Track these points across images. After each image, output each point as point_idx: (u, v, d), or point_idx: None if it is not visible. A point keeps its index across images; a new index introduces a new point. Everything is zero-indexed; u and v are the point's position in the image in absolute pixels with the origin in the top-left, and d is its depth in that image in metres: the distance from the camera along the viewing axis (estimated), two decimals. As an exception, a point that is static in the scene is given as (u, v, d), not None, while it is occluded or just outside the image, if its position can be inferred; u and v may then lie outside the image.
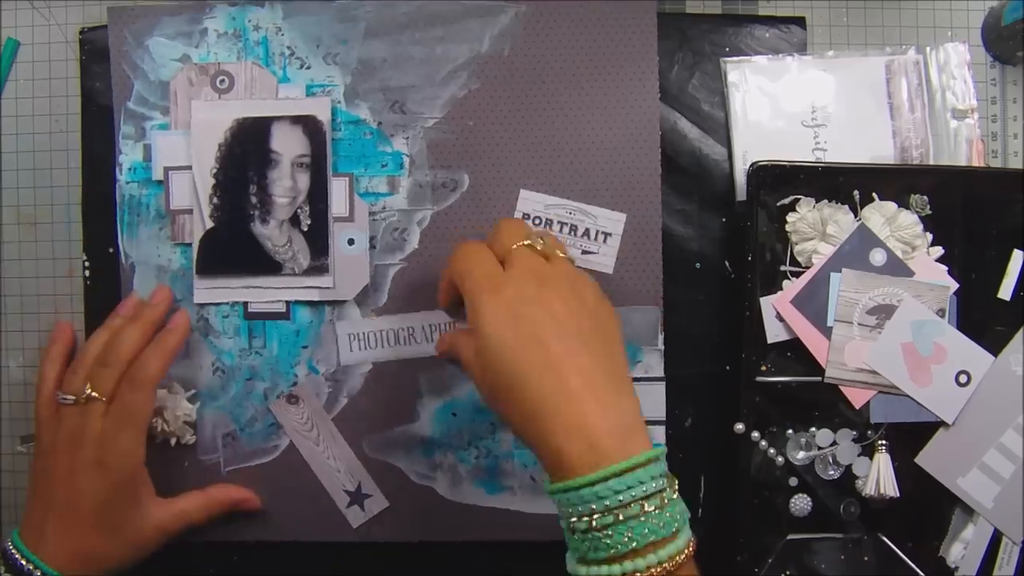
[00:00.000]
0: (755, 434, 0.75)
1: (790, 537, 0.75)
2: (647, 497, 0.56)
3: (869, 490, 0.74)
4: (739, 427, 0.75)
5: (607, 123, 0.77)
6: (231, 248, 0.77)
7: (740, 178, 0.78)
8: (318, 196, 0.76)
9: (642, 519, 0.56)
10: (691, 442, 0.78)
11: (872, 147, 0.77)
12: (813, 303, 0.74)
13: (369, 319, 0.78)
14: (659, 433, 0.77)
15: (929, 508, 0.76)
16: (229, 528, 0.78)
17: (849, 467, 0.75)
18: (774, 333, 0.75)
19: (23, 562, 0.68)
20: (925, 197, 0.74)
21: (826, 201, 0.74)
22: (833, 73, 0.78)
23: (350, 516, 0.78)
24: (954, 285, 0.74)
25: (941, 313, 0.74)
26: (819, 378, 0.75)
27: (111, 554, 0.71)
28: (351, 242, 0.77)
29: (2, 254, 0.81)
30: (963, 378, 0.74)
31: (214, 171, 0.76)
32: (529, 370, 0.59)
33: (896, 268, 0.74)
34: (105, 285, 0.79)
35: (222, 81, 0.77)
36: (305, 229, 0.76)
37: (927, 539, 0.76)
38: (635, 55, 0.77)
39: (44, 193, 0.80)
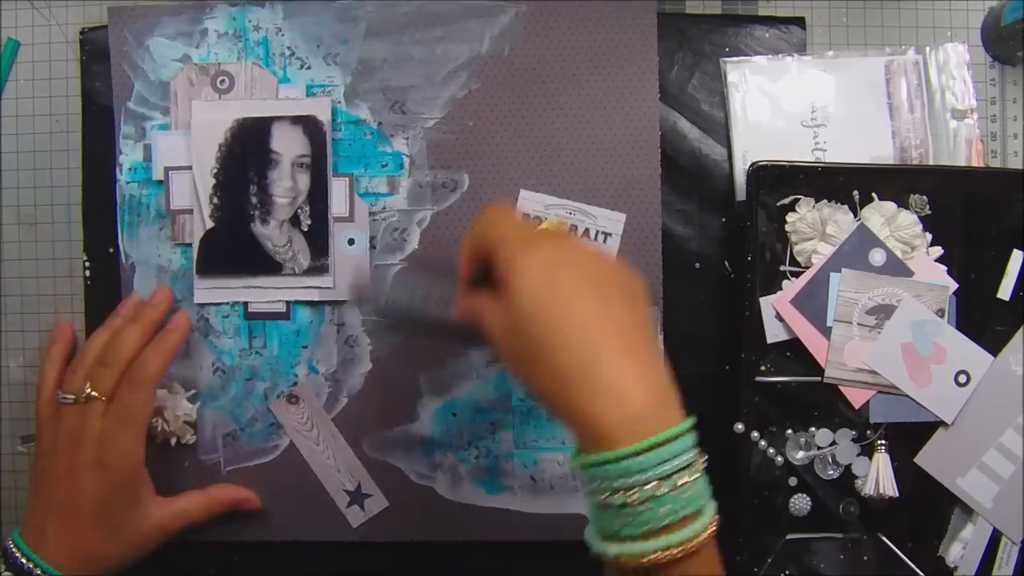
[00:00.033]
0: (755, 434, 0.75)
1: (790, 537, 0.75)
2: (685, 468, 0.54)
3: (868, 490, 0.74)
4: (739, 427, 0.75)
5: (607, 123, 0.77)
6: (231, 248, 0.77)
7: (740, 178, 0.78)
8: (318, 196, 0.76)
9: (678, 492, 0.53)
10: (691, 442, 0.78)
11: (872, 147, 0.78)
12: (813, 303, 0.74)
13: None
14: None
15: (928, 508, 0.76)
16: (229, 528, 0.78)
17: (849, 467, 0.75)
18: (774, 333, 0.75)
19: (24, 561, 0.68)
20: (925, 197, 0.74)
21: (826, 201, 0.74)
22: (833, 73, 0.78)
23: (350, 516, 0.78)
24: (954, 285, 0.74)
25: (941, 313, 0.74)
26: (819, 378, 0.75)
27: (111, 553, 0.71)
28: (351, 242, 0.77)
29: (2, 254, 0.81)
30: (962, 378, 0.74)
31: (214, 171, 0.76)
32: (566, 332, 0.56)
33: (896, 268, 0.74)
34: (105, 285, 0.79)
35: (222, 81, 0.77)
36: (305, 229, 0.76)
37: (926, 539, 0.76)
38: (635, 55, 0.77)
39: (44, 193, 0.80)
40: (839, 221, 0.74)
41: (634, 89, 0.77)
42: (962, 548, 0.75)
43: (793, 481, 0.75)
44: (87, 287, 0.80)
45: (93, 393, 0.71)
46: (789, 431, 0.75)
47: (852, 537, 0.75)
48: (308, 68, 0.77)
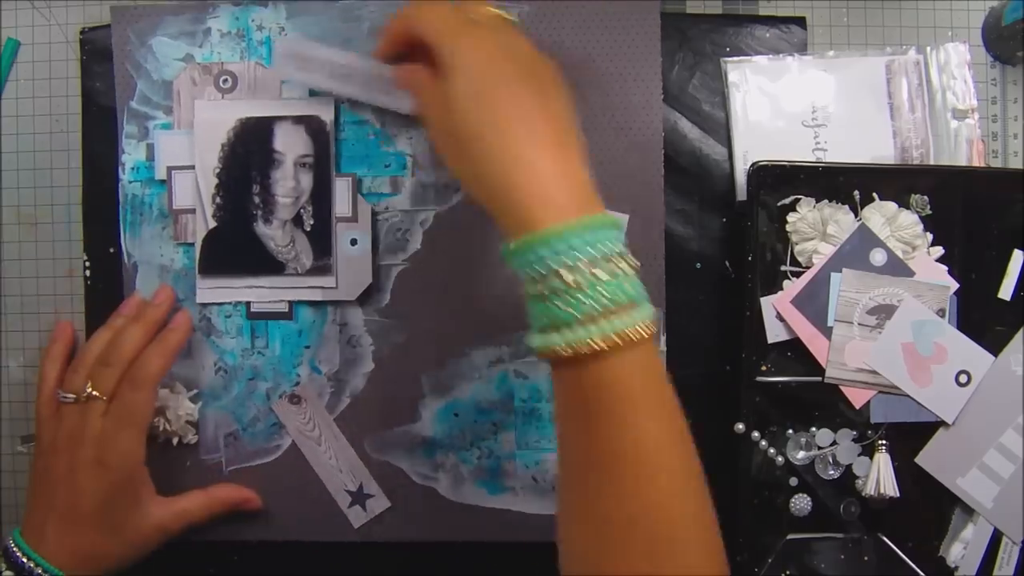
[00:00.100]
0: (755, 434, 0.75)
1: (790, 537, 0.75)
2: (618, 255, 0.55)
3: (869, 490, 0.74)
4: (739, 427, 0.75)
5: (610, 124, 0.77)
6: (234, 248, 0.77)
7: (740, 178, 0.78)
8: (321, 196, 0.76)
9: (615, 279, 0.55)
10: (691, 442, 0.78)
11: (872, 147, 0.78)
12: (813, 303, 0.74)
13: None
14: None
15: (929, 508, 0.76)
16: (230, 528, 0.78)
17: (849, 467, 0.75)
18: (774, 333, 0.75)
19: (24, 560, 0.68)
20: (925, 197, 0.75)
21: (826, 201, 0.74)
22: (833, 73, 0.78)
23: (352, 516, 0.78)
24: (954, 285, 0.74)
25: (941, 313, 0.74)
26: (819, 378, 0.75)
27: (112, 553, 0.71)
28: (354, 242, 0.77)
29: (2, 254, 0.80)
30: (963, 378, 0.74)
31: (217, 171, 0.76)
32: (502, 117, 0.57)
33: (896, 268, 0.74)
34: (105, 285, 0.79)
35: (225, 81, 0.77)
36: (308, 229, 0.76)
37: (927, 539, 0.76)
38: (638, 56, 0.77)
39: (44, 193, 0.80)
40: (840, 221, 0.74)
41: (637, 90, 0.77)
42: (963, 548, 0.75)
43: (794, 481, 0.75)
44: (87, 287, 0.80)
45: (94, 393, 0.71)
46: (790, 431, 0.75)
47: (853, 537, 0.75)
48: (310, 68, 0.77)
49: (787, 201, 0.74)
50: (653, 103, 0.77)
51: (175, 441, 0.78)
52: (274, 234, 0.76)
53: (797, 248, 0.75)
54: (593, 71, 0.77)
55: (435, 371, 0.78)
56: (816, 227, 0.74)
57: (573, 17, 0.77)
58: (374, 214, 0.77)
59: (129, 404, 0.71)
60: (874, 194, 0.74)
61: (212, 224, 0.76)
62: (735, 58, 0.79)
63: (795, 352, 0.75)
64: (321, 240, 0.76)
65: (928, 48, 0.78)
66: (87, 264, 0.79)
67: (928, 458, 0.75)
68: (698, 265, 0.79)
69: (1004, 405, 0.75)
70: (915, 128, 0.78)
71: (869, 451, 0.75)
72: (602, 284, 0.54)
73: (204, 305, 0.78)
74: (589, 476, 0.56)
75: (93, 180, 0.79)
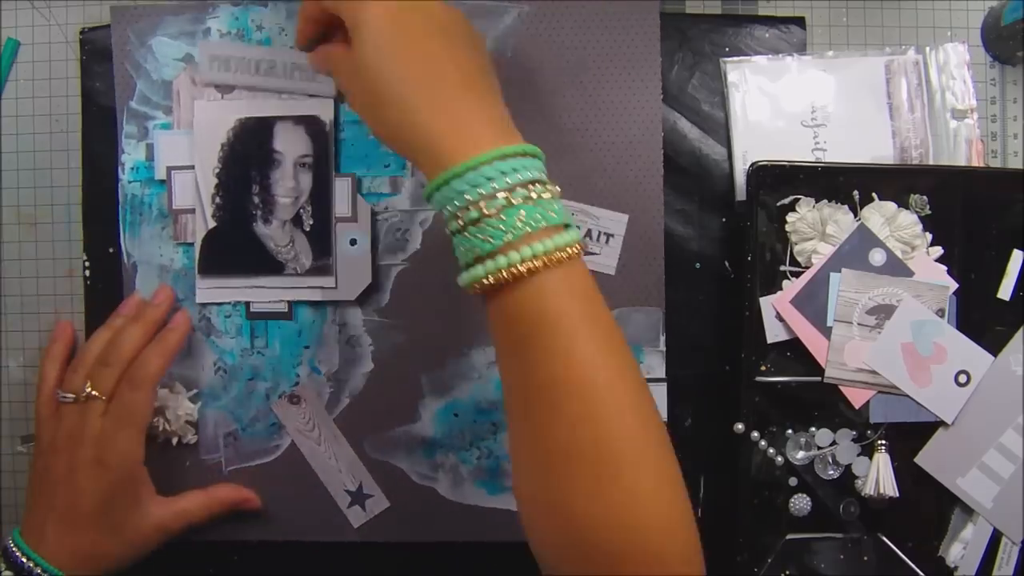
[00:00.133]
0: (755, 434, 0.75)
1: (790, 537, 0.75)
2: (535, 182, 0.56)
3: (869, 490, 0.74)
4: (739, 427, 0.75)
5: (610, 124, 0.77)
6: (233, 248, 0.77)
7: (740, 178, 0.78)
8: (321, 196, 0.76)
9: (533, 204, 0.55)
10: (691, 442, 0.78)
11: (872, 147, 0.78)
12: (813, 303, 0.74)
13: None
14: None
15: (929, 508, 0.76)
16: (230, 528, 0.78)
17: (849, 467, 0.75)
18: (774, 333, 0.75)
19: (24, 560, 0.68)
20: (925, 197, 0.75)
21: (826, 201, 0.74)
22: (833, 73, 0.78)
23: (351, 516, 0.78)
24: (954, 285, 0.74)
25: (941, 313, 0.74)
26: (819, 378, 0.75)
27: (111, 552, 0.71)
28: (353, 242, 0.77)
29: (2, 254, 0.80)
30: (963, 378, 0.74)
31: (217, 171, 0.76)
32: (412, 67, 0.58)
33: (896, 268, 0.74)
34: (105, 285, 0.79)
35: (225, 80, 0.78)
36: (307, 229, 0.76)
37: (927, 539, 0.76)
38: (637, 56, 0.77)
39: (44, 193, 0.80)
40: (839, 221, 0.74)
41: (637, 90, 0.77)
42: (962, 548, 0.75)
43: (793, 481, 0.75)
44: (87, 287, 0.80)
45: (93, 392, 0.71)
46: (789, 431, 0.75)
47: (852, 537, 0.75)
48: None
49: (786, 201, 0.74)
50: (653, 103, 0.77)
51: (175, 441, 0.78)
52: (274, 234, 0.76)
53: (796, 248, 0.75)
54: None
55: (435, 371, 0.78)
56: (815, 227, 0.74)
57: (573, 17, 0.77)
58: (374, 214, 0.77)
59: (128, 404, 0.71)
60: (873, 194, 0.75)
61: (212, 224, 0.76)
62: (735, 58, 0.79)
63: (795, 352, 0.75)
64: (321, 240, 0.76)
65: (928, 48, 0.78)
66: (87, 264, 0.79)
67: (928, 458, 0.75)
68: (698, 265, 0.79)
69: (1004, 405, 0.75)
70: (914, 128, 0.78)
71: (869, 451, 0.75)
72: (519, 211, 0.55)
73: (204, 305, 0.78)
74: (529, 404, 0.56)
75: (93, 180, 0.79)
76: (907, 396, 0.74)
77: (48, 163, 0.80)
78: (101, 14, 0.79)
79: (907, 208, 0.75)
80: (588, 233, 0.77)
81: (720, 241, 0.79)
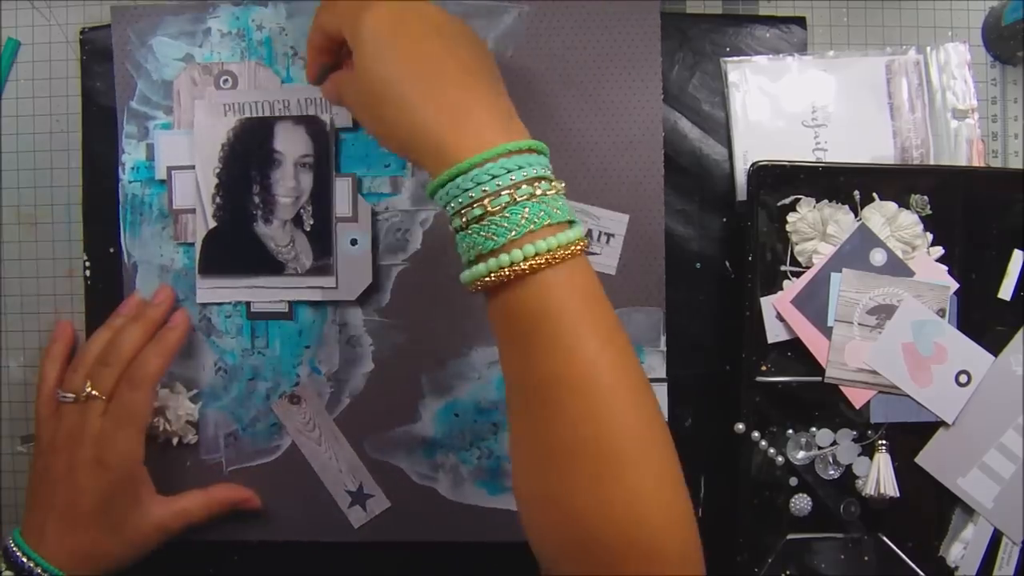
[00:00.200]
0: (755, 434, 0.75)
1: (790, 537, 0.75)
2: (540, 179, 0.56)
3: (869, 490, 0.74)
4: (739, 427, 0.75)
5: (610, 124, 0.77)
6: (234, 248, 0.77)
7: (740, 178, 0.78)
8: (321, 196, 0.76)
9: (537, 201, 0.55)
10: (691, 442, 0.78)
11: (872, 147, 0.78)
12: (813, 303, 0.74)
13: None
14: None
15: (929, 508, 0.76)
16: (230, 528, 0.78)
17: (849, 467, 0.75)
18: (774, 333, 0.75)
19: (24, 560, 0.68)
20: (925, 197, 0.74)
21: (826, 201, 0.74)
22: (833, 73, 0.78)
23: (352, 516, 0.78)
24: (954, 285, 0.74)
25: (941, 313, 0.74)
26: (819, 378, 0.75)
27: (111, 552, 0.71)
28: (354, 242, 0.76)
29: (2, 254, 0.80)
30: (963, 378, 0.74)
31: (217, 171, 0.76)
32: (411, 66, 0.58)
33: (896, 268, 0.74)
34: (105, 285, 0.79)
35: (225, 81, 0.77)
36: (308, 229, 0.76)
37: (927, 539, 0.76)
38: (638, 56, 0.77)
39: (44, 193, 0.80)
40: (840, 221, 0.74)
41: (637, 90, 0.77)
42: (963, 548, 0.75)
43: (794, 481, 0.75)
44: (87, 287, 0.79)
45: (93, 392, 0.71)
46: (790, 431, 0.75)
47: (853, 537, 0.75)
48: (311, 68, 0.78)
49: (787, 201, 0.74)
50: (653, 103, 0.77)
51: (175, 441, 0.78)
52: (274, 234, 0.76)
53: (797, 248, 0.75)
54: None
55: (435, 371, 0.78)
56: (816, 227, 0.74)
57: (573, 17, 0.77)
58: (374, 214, 0.77)
59: (128, 404, 0.71)
60: (874, 194, 0.74)
61: (212, 224, 0.76)
62: (735, 58, 0.79)
63: (795, 352, 0.75)
64: (321, 240, 0.76)
65: (928, 48, 0.78)
66: (87, 264, 0.79)
67: (928, 458, 0.75)
68: (698, 265, 0.79)
69: (1004, 405, 0.75)
70: (915, 128, 0.78)
71: (869, 451, 0.75)
72: (523, 208, 0.54)
73: (204, 305, 0.78)
74: (531, 401, 0.56)
75: (93, 180, 0.79)
76: (908, 396, 0.74)
77: (48, 163, 0.80)
78: (101, 14, 0.79)
79: (908, 208, 0.75)
80: (588, 233, 0.76)
81: (720, 241, 0.79)
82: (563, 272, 0.55)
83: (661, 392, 0.77)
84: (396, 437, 0.78)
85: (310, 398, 0.78)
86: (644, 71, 0.77)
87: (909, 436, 0.75)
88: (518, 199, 0.54)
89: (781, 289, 0.75)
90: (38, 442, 0.73)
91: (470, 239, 0.56)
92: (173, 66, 0.78)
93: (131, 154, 0.78)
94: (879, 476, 0.74)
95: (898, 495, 0.74)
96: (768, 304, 0.75)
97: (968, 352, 0.74)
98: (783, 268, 0.75)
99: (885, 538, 0.75)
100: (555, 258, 0.54)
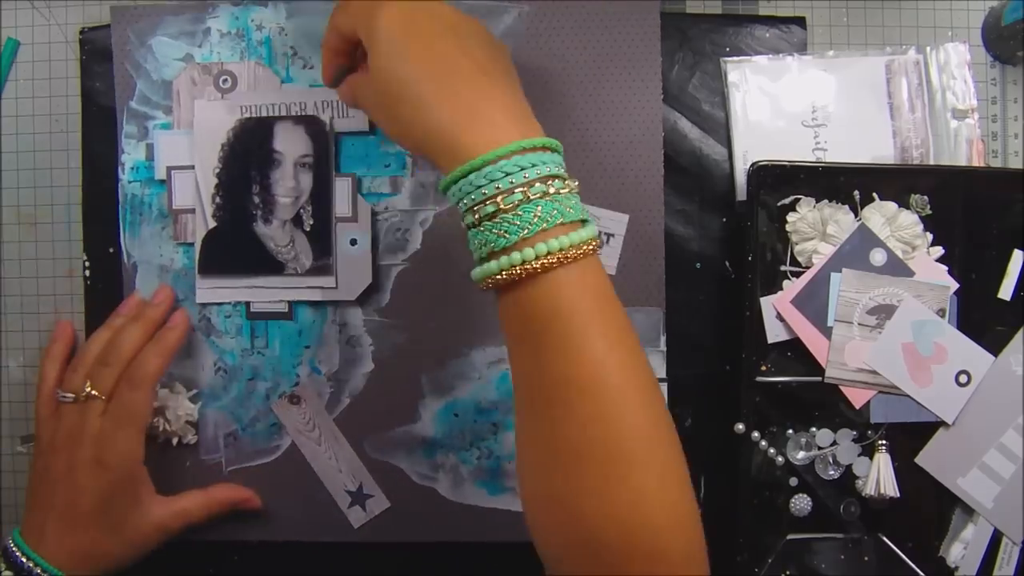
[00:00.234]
0: (755, 434, 0.75)
1: (790, 537, 0.75)
2: (553, 177, 0.56)
3: (869, 490, 0.74)
4: (739, 427, 0.75)
5: (610, 124, 0.77)
6: (234, 248, 0.77)
7: (740, 178, 0.78)
8: (321, 196, 0.76)
9: (550, 199, 0.55)
10: (691, 442, 0.77)
11: (872, 147, 0.78)
12: (813, 303, 0.74)
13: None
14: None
15: (929, 508, 0.76)
16: (230, 528, 0.78)
17: (849, 467, 0.75)
18: (774, 333, 0.75)
19: (24, 560, 0.68)
20: (925, 197, 0.74)
21: (826, 201, 0.74)
22: (833, 73, 0.78)
23: (351, 516, 0.78)
24: (954, 285, 0.74)
25: (941, 313, 0.74)
26: (819, 378, 0.75)
27: (111, 552, 0.71)
28: (353, 242, 0.76)
29: (2, 254, 0.80)
30: (963, 378, 0.74)
31: (217, 171, 0.76)
32: (425, 65, 0.58)
33: (896, 268, 0.74)
34: (105, 285, 0.79)
35: (225, 81, 0.77)
36: (308, 229, 0.76)
37: (927, 539, 0.76)
38: (638, 56, 0.77)
39: (44, 193, 0.80)
40: (840, 221, 0.74)
41: (637, 90, 0.77)
42: (963, 548, 0.75)
43: (794, 481, 0.75)
44: (87, 287, 0.79)
45: (93, 392, 0.71)
46: (790, 431, 0.75)
47: (853, 537, 0.75)
48: (311, 68, 0.77)
49: (787, 201, 0.74)
50: (653, 103, 0.77)
51: (175, 441, 0.78)
52: (274, 234, 0.76)
53: (797, 248, 0.75)
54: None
55: (435, 371, 0.78)
56: (816, 227, 0.74)
57: (573, 17, 0.77)
58: (374, 214, 0.77)
59: (127, 403, 0.71)
60: (874, 194, 0.74)
61: (212, 224, 0.76)
62: (735, 58, 0.79)
63: (795, 352, 0.75)
64: (321, 240, 0.76)
65: (928, 48, 0.78)
66: (87, 264, 0.79)
67: (928, 458, 0.75)
68: (698, 265, 0.79)
69: (1004, 405, 0.75)
70: (915, 128, 0.78)
71: (869, 451, 0.75)
72: (536, 206, 0.54)
73: (204, 305, 0.78)
74: (539, 401, 0.56)
75: (93, 180, 0.79)
76: (908, 396, 0.74)
77: (48, 163, 0.80)
78: (101, 14, 0.79)
79: (908, 208, 0.75)
80: (589, 233, 0.77)
81: (720, 241, 0.79)
82: (575, 271, 0.55)
83: (661, 392, 0.77)
84: (396, 437, 0.78)
85: (310, 398, 0.78)
86: (644, 71, 0.77)
87: (909, 436, 0.75)
88: (531, 197, 0.54)
89: (781, 289, 0.74)
90: (38, 442, 0.73)
91: (482, 236, 0.56)
92: (173, 66, 0.78)
93: (131, 154, 0.78)
94: (879, 476, 0.74)
95: (898, 495, 0.74)
96: (768, 304, 0.74)
97: (968, 352, 0.74)
98: (783, 268, 0.75)
99: (885, 538, 0.75)
100: (567, 257, 0.54)
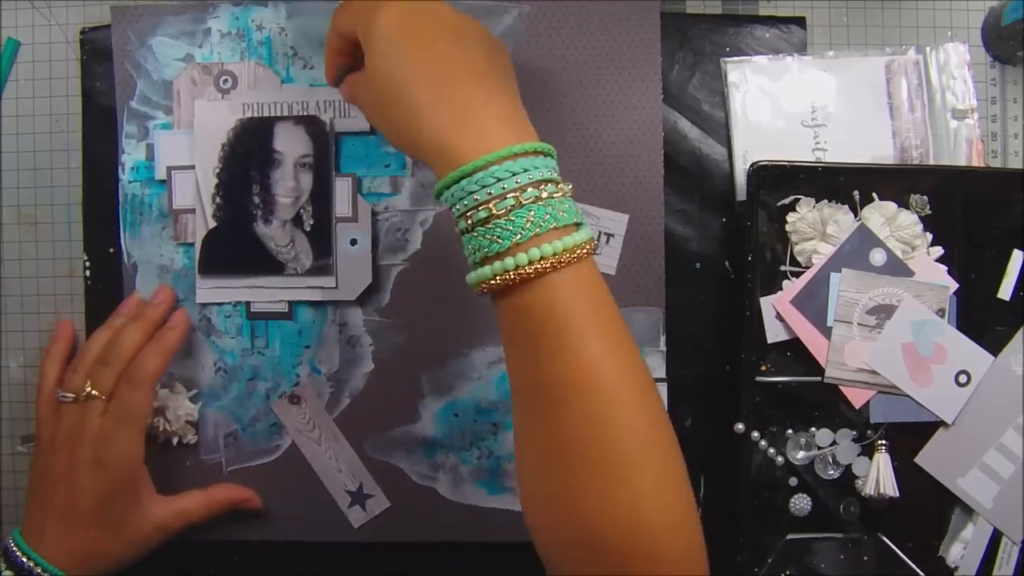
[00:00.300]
0: (755, 434, 0.75)
1: (790, 537, 0.75)
2: (546, 181, 0.56)
3: (869, 490, 0.74)
4: (739, 427, 0.75)
5: (610, 124, 0.77)
6: (234, 248, 0.77)
7: (740, 178, 0.78)
8: (321, 196, 0.76)
9: (542, 204, 0.55)
10: (691, 442, 0.78)
11: (872, 147, 0.78)
12: (813, 303, 0.74)
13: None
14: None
15: (929, 508, 0.76)
16: (230, 528, 0.78)
17: (849, 467, 0.75)
18: (774, 333, 0.75)
19: (24, 560, 0.68)
20: (925, 197, 0.75)
21: (826, 201, 0.74)
22: (833, 73, 0.78)
23: (351, 516, 0.78)
24: (954, 285, 0.74)
25: (941, 313, 0.74)
26: (819, 378, 0.75)
27: (111, 552, 0.71)
28: (354, 242, 0.77)
29: (2, 254, 0.80)
30: (963, 378, 0.74)
31: (217, 171, 0.76)
32: (422, 68, 0.58)
33: (896, 268, 0.74)
34: (105, 285, 0.79)
35: (225, 81, 0.77)
36: (308, 229, 0.76)
37: (927, 539, 0.76)
38: (638, 56, 0.77)
39: (44, 193, 0.80)
40: (839, 221, 0.74)
41: (637, 90, 0.77)
42: (963, 548, 0.75)
43: (793, 481, 0.75)
44: (87, 287, 0.79)
45: (93, 392, 0.71)
46: (789, 431, 0.75)
47: (853, 537, 0.75)
48: (311, 68, 0.77)
49: (787, 201, 0.74)
50: (653, 103, 0.77)
51: (175, 441, 0.78)
52: (274, 234, 0.76)
53: (797, 248, 0.75)
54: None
55: (435, 371, 0.78)
56: (816, 227, 0.74)
57: (573, 17, 0.77)
58: (374, 214, 0.77)
59: (127, 403, 0.71)
60: (874, 194, 0.75)
61: (212, 224, 0.76)
62: (735, 58, 0.79)
63: (795, 352, 0.75)
64: (321, 240, 0.76)
65: (928, 48, 0.78)
66: (87, 264, 0.79)
67: (928, 458, 0.75)
68: (698, 265, 0.79)
69: (1004, 405, 0.75)
70: (915, 128, 0.78)
71: (869, 451, 0.75)
72: (529, 211, 0.54)
73: (204, 305, 0.78)
74: (536, 403, 0.56)
75: (93, 180, 0.79)
76: (907, 396, 0.74)
77: (48, 163, 0.80)
78: (101, 14, 0.79)
79: (907, 208, 0.75)
80: (588, 233, 0.77)
81: (720, 241, 0.79)
82: (569, 275, 0.55)
83: (661, 392, 0.77)
84: (396, 437, 0.78)
85: (310, 398, 0.78)
86: (644, 71, 0.77)
87: (909, 436, 0.75)
88: (524, 202, 0.54)
89: (781, 289, 0.75)
90: (38, 442, 0.73)
91: (476, 241, 0.56)
92: (173, 66, 0.78)
93: (131, 154, 0.78)
94: (879, 476, 0.74)
95: (898, 495, 0.74)
96: (768, 304, 0.75)
97: (968, 352, 0.74)
98: (783, 268, 0.75)
99: (885, 538, 0.75)
100: (561, 261, 0.54)
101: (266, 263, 0.76)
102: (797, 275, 0.75)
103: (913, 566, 0.75)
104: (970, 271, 0.75)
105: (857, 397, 0.74)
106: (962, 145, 0.78)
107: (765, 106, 0.78)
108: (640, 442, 0.55)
